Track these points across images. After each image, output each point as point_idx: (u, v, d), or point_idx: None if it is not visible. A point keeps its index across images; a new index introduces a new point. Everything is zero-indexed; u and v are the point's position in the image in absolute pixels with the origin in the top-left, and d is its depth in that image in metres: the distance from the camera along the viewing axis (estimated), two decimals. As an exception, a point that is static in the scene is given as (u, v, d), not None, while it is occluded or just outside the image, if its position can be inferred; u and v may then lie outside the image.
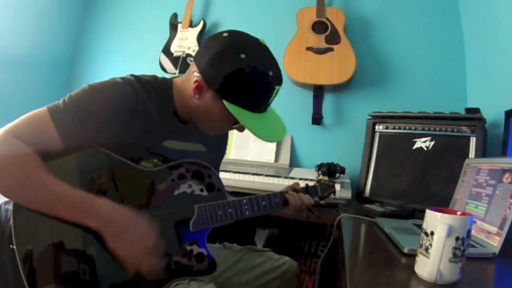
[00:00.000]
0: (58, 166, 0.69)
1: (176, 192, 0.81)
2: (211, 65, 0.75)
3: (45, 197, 0.67)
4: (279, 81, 0.79)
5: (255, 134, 0.77)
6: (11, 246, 0.66)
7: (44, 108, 0.70)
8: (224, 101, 0.76)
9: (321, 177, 1.17)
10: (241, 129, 0.84)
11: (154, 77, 0.84)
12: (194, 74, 0.78)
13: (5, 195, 0.67)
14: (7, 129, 0.66)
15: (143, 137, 0.78)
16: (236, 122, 0.79)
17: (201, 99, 0.79)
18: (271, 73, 0.77)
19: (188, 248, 0.82)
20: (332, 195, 1.10)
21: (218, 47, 0.75)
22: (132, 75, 0.80)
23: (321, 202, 1.08)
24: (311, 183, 1.10)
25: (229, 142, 1.85)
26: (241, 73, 0.73)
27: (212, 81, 0.76)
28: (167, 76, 0.88)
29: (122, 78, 0.78)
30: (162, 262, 0.76)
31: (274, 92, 0.79)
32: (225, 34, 0.78)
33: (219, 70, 0.74)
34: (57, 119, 0.68)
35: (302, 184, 1.07)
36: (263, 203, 0.94)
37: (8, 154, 0.65)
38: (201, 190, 0.85)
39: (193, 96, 0.78)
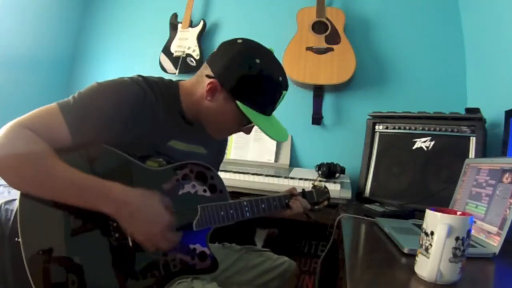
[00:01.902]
0: (65, 162, 0.69)
1: (180, 192, 0.83)
2: (227, 67, 0.80)
3: (59, 186, 0.67)
4: (286, 87, 0.85)
5: (266, 133, 0.82)
6: (16, 239, 0.66)
7: (54, 104, 0.71)
8: (238, 102, 0.80)
9: (316, 182, 1.17)
10: (247, 131, 0.89)
11: (161, 79, 0.86)
12: (206, 76, 0.82)
13: (20, 188, 0.67)
14: (17, 122, 0.67)
15: (149, 136, 0.79)
16: (245, 124, 0.85)
17: (213, 100, 0.82)
18: (280, 78, 0.83)
19: (191, 246, 0.83)
20: (326, 202, 1.12)
21: (234, 52, 0.80)
22: (139, 75, 0.82)
23: (316, 207, 1.10)
24: (307, 189, 1.11)
25: (229, 142, 1.87)
26: (255, 76, 0.79)
27: (226, 83, 0.80)
28: (166, 76, 0.89)
29: (130, 78, 0.79)
30: (178, 236, 0.78)
31: (282, 97, 0.85)
32: (239, 41, 0.83)
33: (234, 73, 0.79)
34: (67, 115, 0.69)
35: (298, 185, 1.09)
36: (263, 205, 0.96)
37: (21, 146, 0.65)
38: (204, 190, 0.86)
39: (205, 98, 0.82)
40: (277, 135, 0.86)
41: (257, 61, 0.79)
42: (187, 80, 0.89)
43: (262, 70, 0.79)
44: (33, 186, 0.67)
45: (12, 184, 0.66)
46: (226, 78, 0.79)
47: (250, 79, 0.79)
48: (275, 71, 0.82)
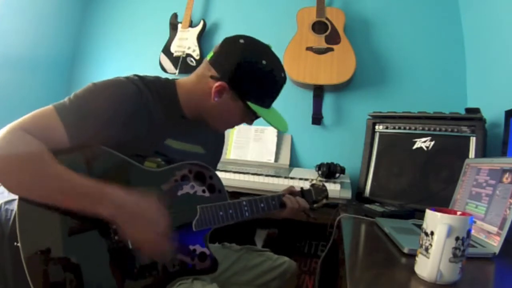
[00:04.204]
0: (63, 164, 0.69)
1: (179, 193, 0.83)
2: (234, 70, 0.81)
3: (58, 189, 0.67)
4: (285, 80, 0.90)
5: (274, 126, 0.87)
6: (15, 243, 0.66)
7: (50, 106, 0.70)
8: (248, 102, 0.83)
9: (315, 181, 1.18)
10: (251, 122, 0.92)
11: (157, 78, 0.86)
12: (210, 78, 0.83)
13: (18, 191, 0.67)
14: (15, 124, 0.66)
15: (146, 136, 0.79)
16: (250, 118, 0.89)
17: (219, 100, 0.83)
18: (283, 74, 0.88)
19: (191, 247, 0.83)
20: (325, 200, 1.12)
21: (239, 55, 0.82)
22: (135, 75, 0.82)
23: (315, 206, 1.09)
24: (306, 187, 1.11)
25: (229, 142, 1.87)
26: (262, 78, 0.83)
27: (235, 85, 0.82)
28: (169, 76, 0.89)
29: (126, 78, 0.79)
30: (173, 245, 0.78)
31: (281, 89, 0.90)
32: (241, 41, 0.84)
33: (243, 75, 0.81)
34: (64, 117, 0.69)
35: (298, 185, 1.09)
36: (262, 205, 0.96)
37: (20, 148, 0.64)
38: (203, 191, 0.86)
39: (212, 98, 0.83)
40: (282, 126, 0.90)
41: (264, 62, 0.82)
42: (184, 78, 0.89)
43: (268, 72, 0.83)
44: (31, 189, 0.66)
45: (10, 187, 0.66)
46: (234, 81, 0.81)
47: (258, 80, 0.83)
48: (278, 69, 0.86)
